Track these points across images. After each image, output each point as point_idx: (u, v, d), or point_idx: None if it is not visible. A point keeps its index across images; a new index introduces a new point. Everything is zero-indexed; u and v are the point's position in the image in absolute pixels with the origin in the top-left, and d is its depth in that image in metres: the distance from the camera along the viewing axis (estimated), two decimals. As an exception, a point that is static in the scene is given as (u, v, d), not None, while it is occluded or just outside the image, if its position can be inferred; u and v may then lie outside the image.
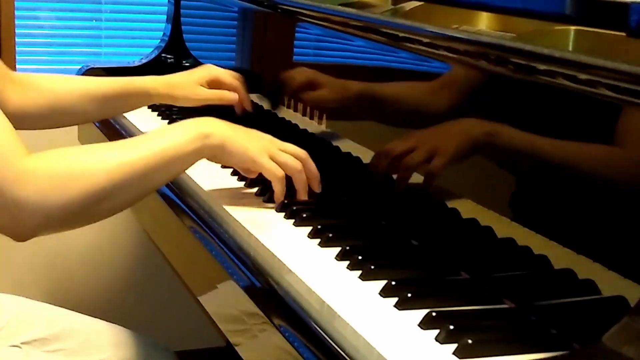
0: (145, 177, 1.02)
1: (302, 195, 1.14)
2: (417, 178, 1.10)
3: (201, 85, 1.45)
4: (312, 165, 1.15)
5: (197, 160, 1.10)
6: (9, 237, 0.98)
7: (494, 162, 1.01)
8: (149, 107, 1.70)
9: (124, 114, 1.61)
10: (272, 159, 1.12)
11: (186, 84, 1.44)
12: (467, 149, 1.04)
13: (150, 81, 1.45)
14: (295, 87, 1.44)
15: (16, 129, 0.97)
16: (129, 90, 1.42)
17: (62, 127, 1.44)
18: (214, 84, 1.47)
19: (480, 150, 1.01)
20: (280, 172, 1.12)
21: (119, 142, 1.06)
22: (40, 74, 1.46)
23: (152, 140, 1.06)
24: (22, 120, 1.31)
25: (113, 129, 1.62)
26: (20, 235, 0.98)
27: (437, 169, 1.06)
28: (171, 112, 1.65)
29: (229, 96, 1.45)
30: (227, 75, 1.48)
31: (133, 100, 1.44)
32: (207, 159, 1.13)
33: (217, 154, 1.11)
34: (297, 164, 1.13)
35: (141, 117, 1.62)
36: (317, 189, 1.15)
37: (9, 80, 1.31)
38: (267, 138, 1.16)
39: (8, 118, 0.98)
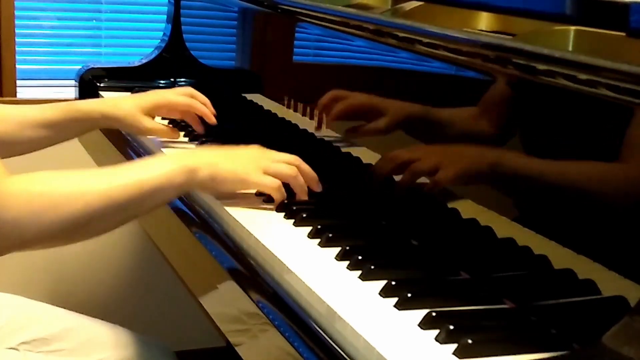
0: (124, 208, 1.02)
1: (303, 197, 1.14)
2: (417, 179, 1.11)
3: (149, 113, 1.40)
4: (306, 168, 1.15)
5: (181, 194, 1.10)
6: None
7: (494, 162, 1.01)
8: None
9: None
10: (266, 171, 1.12)
11: (131, 113, 1.38)
12: (472, 173, 1.04)
13: (96, 105, 1.41)
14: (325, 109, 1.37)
15: None
16: (72, 116, 1.37)
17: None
18: (166, 109, 1.44)
19: (486, 178, 1.01)
20: (276, 183, 1.12)
21: (102, 170, 1.05)
22: None
23: (136, 171, 1.05)
24: None
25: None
26: None
27: (440, 185, 1.07)
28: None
29: (170, 133, 1.42)
30: (178, 100, 1.42)
31: (77, 126, 1.39)
32: (199, 191, 1.13)
33: (209, 185, 1.10)
34: (291, 171, 1.13)
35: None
36: (317, 189, 1.15)
37: None
38: (256, 152, 1.15)
39: None
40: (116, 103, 1.41)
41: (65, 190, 0.98)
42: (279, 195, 1.12)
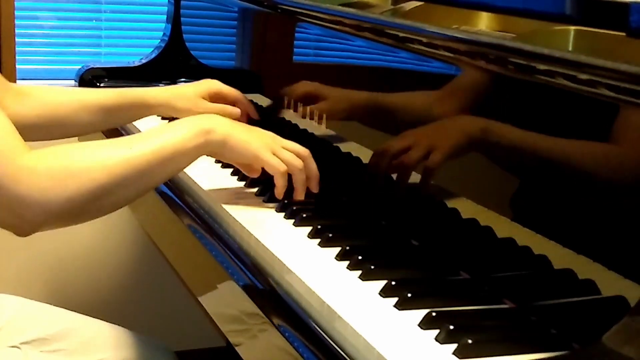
0: (145, 174, 1.03)
1: (300, 195, 1.14)
2: (416, 178, 1.10)
3: (203, 98, 1.42)
4: (313, 164, 1.15)
5: (198, 156, 1.10)
6: (11, 232, 0.99)
7: (494, 162, 1.01)
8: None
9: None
10: (274, 155, 1.12)
11: (188, 96, 1.41)
12: (463, 145, 1.04)
13: (151, 91, 1.42)
14: (297, 99, 1.43)
15: None
16: (128, 101, 1.39)
17: (61, 138, 1.40)
18: (216, 98, 1.44)
19: (477, 147, 1.01)
20: (283, 167, 1.12)
21: (120, 139, 1.07)
22: (37, 85, 1.42)
23: (153, 137, 1.06)
24: (20, 131, 1.30)
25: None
26: (22, 230, 0.99)
27: (434, 165, 1.07)
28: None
29: (231, 110, 1.42)
30: (229, 89, 1.46)
31: (133, 111, 1.40)
32: (209, 155, 1.13)
33: (219, 150, 1.11)
34: (298, 162, 1.13)
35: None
36: (315, 189, 1.16)
37: (6, 90, 1.30)
38: (270, 135, 1.16)
39: None
40: (170, 89, 1.43)
41: (87, 160, 0.99)
42: (282, 180, 1.12)
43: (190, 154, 1.08)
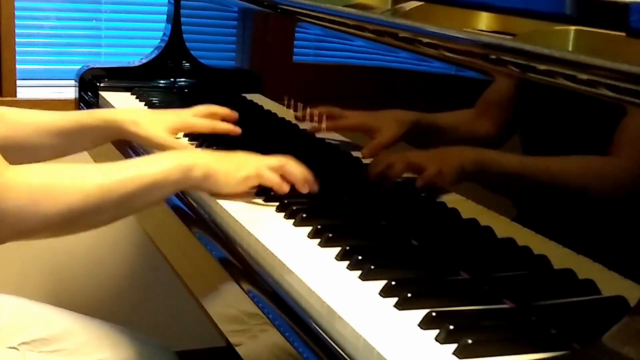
0: (121, 202, 1.04)
1: (304, 189, 1.15)
2: (417, 176, 1.11)
3: (168, 131, 1.36)
4: (293, 169, 1.16)
5: (178, 191, 1.13)
6: None
7: (495, 162, 1.01)
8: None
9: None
10: (262, 175, 1.14)
11: (155, 127, 1.35)
12: (472, 173, 1.05)
13: (115, 115, 1.37)
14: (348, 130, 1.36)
15: None
16: (89, 124, 1.34)
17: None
18: (183, 130, 1.42)
19: (484, 175, 1.02)
20: (278, 181, 1.14)
21: (101, 165, 1.07)
22: (1, 107, 1.37)
23: (133, 166, 1.07)
24: None
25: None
26: None
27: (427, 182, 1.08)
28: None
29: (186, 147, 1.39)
30: (200, 122, 1.40)
31: (98, 132, 1.35)
32: (194, 190, 1.14)
33: (202, 185, 1.12)
34: (274, 180, 1.14)
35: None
36: (304, 190, 1.16)
37: None
38: (251, 157, 1.17)
39: None
40: (137, 120, 1.35)
41: (65, 182, 1.00)
42: (286, 188, 1.14)
43: (169, 188, 1.09)
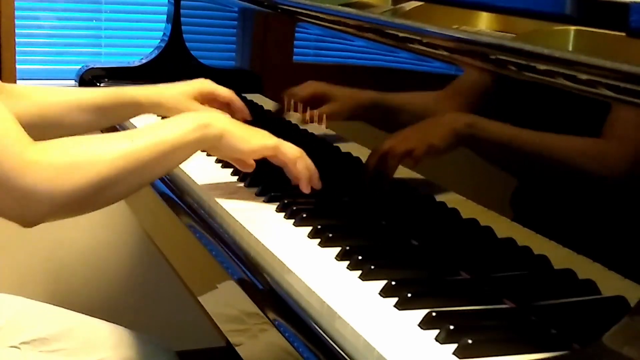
0: (146, 166, 1.06)
1: (306, 188, 1.16)
2: (417, 176, 1.11)
3: (194, 99, 1.42)
4: (309, 160, 1.17)
5: (197, 149, 1.13)
6: (16, 223, 1.01)
7: (495, 162, 1.01)
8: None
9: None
10: (276, 150, 1.16)
11: (178, 96, 1.41)
12: (458, 143, 1.05)
13: (142, 90, 1.42)
14: (302, 100, 1.43)
15: None
16: (120, 100, 1.39)
17: (55, 138, 1.42)
18: (208, 98, 1.45)
19: (476, 146, 1.02)
20: (295, 154, 1.16)
21: (121, 133, 1.10)
22: (30, 85, 1.42)
23: (153, 131, 1.09)
24: None
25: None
26: (27, 221, 1.01)
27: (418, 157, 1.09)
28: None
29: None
30: (222, 90, 1.46)
31: (125, 110, 1.40)
32: (206, 150, 1.16)
33: (216, 144, 1.14)
34: (300, 152, 1.17)
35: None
36: (317, 185, 1.17)
37: (0, 91, 1.30)
38: (267, 133, 1.19)
39: None
40: (161, 88, 1.43)
41: (90, 153, 1.02)
42: (301, 163, 1.16)
43: (189, 148, 1.11)
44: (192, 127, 1.10)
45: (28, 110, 1.32)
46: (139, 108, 1.41)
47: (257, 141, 1.16)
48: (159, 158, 1.07)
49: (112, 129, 1.52)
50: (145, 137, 1.07)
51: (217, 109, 1.44)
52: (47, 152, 0.99)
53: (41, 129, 1.33)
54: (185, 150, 1.10)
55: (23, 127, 1.30)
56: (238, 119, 1.43)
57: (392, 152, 1.15)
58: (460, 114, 1.05)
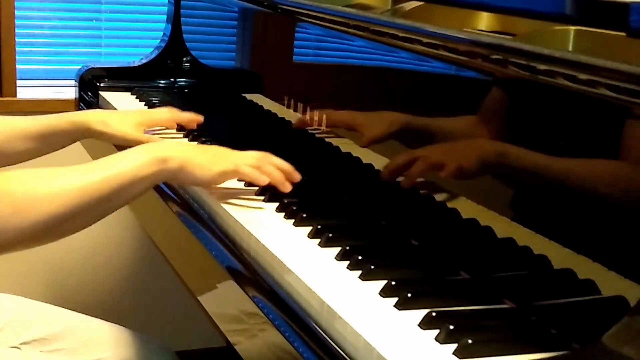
0: (102, 200, 1.04)
1: (286, 188, 1.15)
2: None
3: (135, 127, 1.41)
4: (277, 159, 1.17)
5: (155, 183, 1.13)
6: None
7: (495, 163, 1.01)
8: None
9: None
10: (233, 167, 1.15)
11: (123, 124, 1.40)
12: (477, 168, 1.04)
13: (84, 116, 1.41)
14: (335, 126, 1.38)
15: None
16: (62, 125, 1.37)
17: None
18: (149, 126, 1.45)
19: (489, 168, 1.01)
20: (257, 174, 1.15)
21: (79, 167, 1.07)
22: None
23: (109, 165, 1.07)
24: None
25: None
26: None
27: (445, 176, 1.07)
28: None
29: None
30: (158, 116, 1.47)
31: (70, 134, 1.39)
32: (169, 182, 1.15)
33: (177, 176, 1.13)
34: (259, 162, 1.15)
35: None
36: (296, 178, 1.16)
37: None
38: (227, 151, 1.18)
39: None
40: (105, 120, 1.40)
41: (44, 189, 1.00)
42: (262, 180, 1.15)
43: (147, 180, 1.09)
44: (148, 161, 1.08)
45: None
46: (84, 130, 1.39)
47: (216, 168, 1.14)
48: (115, 192, 1.05)
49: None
50: (101, 171, 1.05)
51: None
52: (5, 185, 0.98)
53: None
54: (142, 183, 1.09)
55: None
56: (193, 127, 1.46)
57: (420, 165, 1.13)
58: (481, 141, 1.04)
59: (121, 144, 1.39)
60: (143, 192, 1.11)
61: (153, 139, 1.40)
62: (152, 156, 1.09)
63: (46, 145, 1.38)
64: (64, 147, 1.44)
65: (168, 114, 1.47)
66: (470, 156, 1.04)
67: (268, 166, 1.16)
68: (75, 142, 1.43)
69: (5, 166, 1.38)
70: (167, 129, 1.50)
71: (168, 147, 1.13)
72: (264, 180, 1.15)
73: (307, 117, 1.39)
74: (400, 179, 1.14)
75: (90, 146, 1.68)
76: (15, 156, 1.37)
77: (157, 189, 1.27)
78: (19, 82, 2.22)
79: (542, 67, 0.87)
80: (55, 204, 0.99)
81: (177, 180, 1.16)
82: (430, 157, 1.11)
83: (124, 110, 1.47)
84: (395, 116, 1.20)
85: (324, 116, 1.35)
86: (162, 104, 1.69)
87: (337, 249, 0.99)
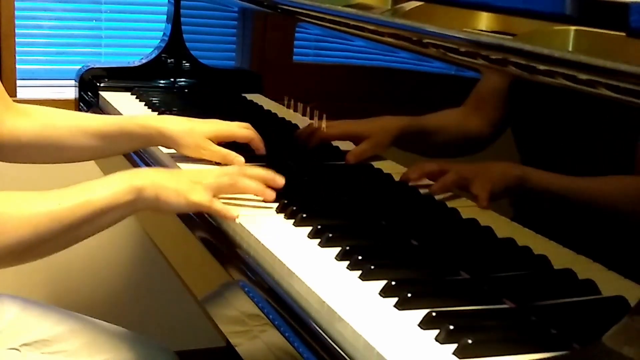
0: (71, 228, 1.03)
1: (269, 196, 1.14)
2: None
3: (209, 139, 1.34)
4: (252, 170, 1.15)
5: (131, 213, 1.10)
6: None
7: (495, 162, 1.01)
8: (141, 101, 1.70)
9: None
10: (207, 188, 1.11)
11: (195, 136, 1.33)
12: (501, 189, 1.03)
13: (155, 122, 1.36)
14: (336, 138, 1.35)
15: (10, 161, 0.96)
16: (129, 130, 1.34)
17: (58, 162, 1.38)
18: (224, 138, 1.36)
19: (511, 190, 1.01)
20: (210, 202, 1.11)
21: (50, 193, 1.05)
22: (39, 106, 1.37)
23: (82, 192, 1.05)
24: (17, 151, 1.30)
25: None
26: None
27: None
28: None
29: (233, 158, 1.31)
30: (240, 132, 1.37)
31: (135, 140, 1.36)
32: (145, 210, 1.12)
33: (153, 205, 1.10)
34: (232, 179, 1.13)
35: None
36: (280, 183, 1.15)
37: (8, 108, 1.29)
38: (201, 174, 1.15)
39: (2, 145, 0.98)
40: (183, 126, 1.35)
41: (14, 214, 1.00)
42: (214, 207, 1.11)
43: (121, 209, 1.07)
44: (123, 189, 1.06)
45: (31, 129, 1.31)
46: (148, 139, 1.36)
47: (194, 198, 1.09)
48: (86, 220, 1.03)
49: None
50: (73, 198, 1.03)
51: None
52: None
53: (42, 148, 1.32)
54: (116, 212, 1.06)
55: (27, 146, 1.29)
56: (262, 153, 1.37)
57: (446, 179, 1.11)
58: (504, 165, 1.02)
59: (188, 155, 1.35)
60: (118, 219, 1.09)
61: (222, 154, 1.33)
62: (127, 185, 1.06)
63: (112, 145, 1.35)
64: (131, 150, 1.42)
65: (248, 132, 1.37)
66: (489, 177, 1.03)
67: (243, 181, 1.13)
68: (144, 147, 1.41)
69: (68, 162, 1.38)
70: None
71: (144, 175, 1.10)
72: (246, 193, 1.13)
73: (314, 123, 1.39)
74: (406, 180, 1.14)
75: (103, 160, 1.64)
76: (79, 152, 1.35)
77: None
78: (19, 82, 2.22)
79: (542, 67, 0.87)
80: (25, 230, 0.99)
81: (155, 209, 1.11)
82: (449, 177, 1.10)
83: (201, 120, 1.38)
84: (392, 123, 1.19)
85: (324, 125, 1.35)
86: (162, 104, 1.69)
87: (337, 249, 0.99)
